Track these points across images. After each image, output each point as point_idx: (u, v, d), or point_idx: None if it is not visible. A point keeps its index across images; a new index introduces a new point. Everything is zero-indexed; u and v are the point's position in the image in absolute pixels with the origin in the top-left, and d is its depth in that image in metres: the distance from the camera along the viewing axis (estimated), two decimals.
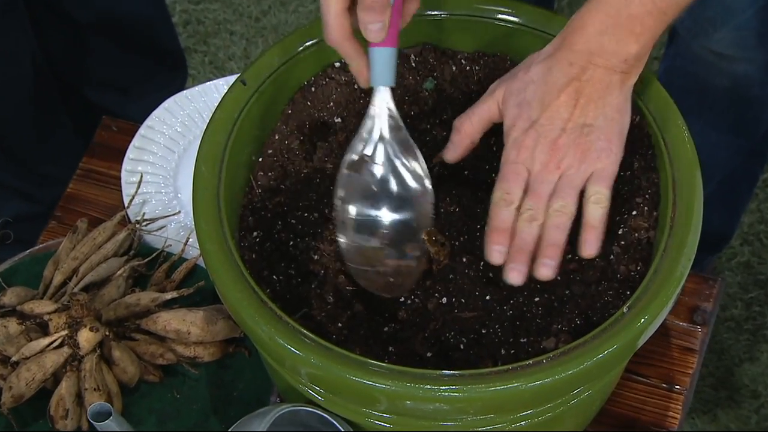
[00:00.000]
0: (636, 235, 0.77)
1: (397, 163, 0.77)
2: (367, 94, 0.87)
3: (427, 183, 0.77)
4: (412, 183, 0.77)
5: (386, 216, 0.77)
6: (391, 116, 0.77)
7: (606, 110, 0.72)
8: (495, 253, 0.72)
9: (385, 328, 0.75)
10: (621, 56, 0.71)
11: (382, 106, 0.76)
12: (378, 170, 0.77)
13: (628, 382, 0.90)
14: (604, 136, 0.72)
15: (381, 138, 0.77)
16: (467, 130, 0.77)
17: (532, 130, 0.72)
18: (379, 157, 0.77)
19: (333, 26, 0.73)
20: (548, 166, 0.72)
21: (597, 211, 0.72)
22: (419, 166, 0.77)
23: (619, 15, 0.70)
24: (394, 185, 0.77)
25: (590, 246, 0.72)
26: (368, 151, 0.77)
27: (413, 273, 0.76)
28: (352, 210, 0.77)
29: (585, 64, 0.71)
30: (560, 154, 0.72)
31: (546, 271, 0.71)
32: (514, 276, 0.72)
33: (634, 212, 0.78)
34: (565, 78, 0.71)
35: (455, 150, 0.78)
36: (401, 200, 0.77)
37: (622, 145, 0.73)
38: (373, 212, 0.77)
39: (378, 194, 0.77)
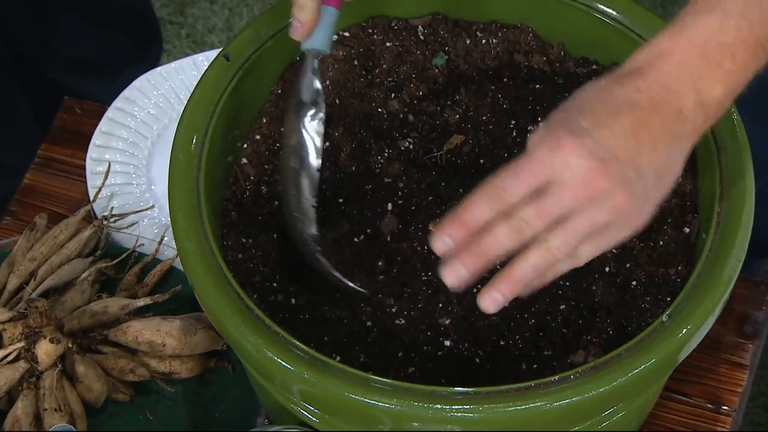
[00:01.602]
0: (676, 233, 0.77)
1: (294, 140, 0.79)
2: (369, 70, 0.88)
3: (314, 167, 0.79)
4: (298, 166, 0.79)
5: (294, 194, 0.79)
6: (309, 88, 0.79)
7: (664, 162, 0.63)
8: (439, 242, 0.64)
9: (389, 341, 0.75)
10: (701, 98, 0.63)
11: (306, 73, 0.79)
12: (289, 142, 0.80)
13: (668, 402, 0.90)
14: (648, 195, 0.63)
15: (296, 107, 0.79)
16: None
17: (579, 137, 0.62)
18: (290, 127, 0.80)
19: None
20: (578, 187, 0.62)
21: (552, 263, 0.63)
22: (314, 146, 0.79)
23: (707, 44, 0.62)
24: (294, 161, 0.79)
25: (490, 302, 0.64)
26: (292, 127, 0.80)
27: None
28: (281, 187, 0.80)
29: (656, 96, 0.63)
30: (600, 184, 0.62)
31: (489, 304, 0.64)
32: (451, 277, 0.63)
33: (674, 205, 0.78)
34: (629, 100, 0.63)
35: None
36: (301, 176, 0.79)
37: (648, 217, 0.65)
38: (290, 189, 0.79)
39: (290, 169, 0.79)
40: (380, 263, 0.78)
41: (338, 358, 0.72)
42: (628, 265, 0.77)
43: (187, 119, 0.80)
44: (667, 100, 0.63)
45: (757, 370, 0.98)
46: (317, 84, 0.79)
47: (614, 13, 0.85)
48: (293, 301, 0.77)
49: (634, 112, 0.62)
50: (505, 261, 0.65)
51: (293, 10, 0.76)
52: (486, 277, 0.75)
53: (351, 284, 0.77)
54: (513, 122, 0.84)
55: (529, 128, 0.83)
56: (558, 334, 0.74)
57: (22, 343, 0.87)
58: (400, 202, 0.81)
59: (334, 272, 0.77)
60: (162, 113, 1.08)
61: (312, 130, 0.80)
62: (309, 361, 0.69)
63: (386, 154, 0.83)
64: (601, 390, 0.67)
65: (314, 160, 0.80)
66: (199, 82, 0.82)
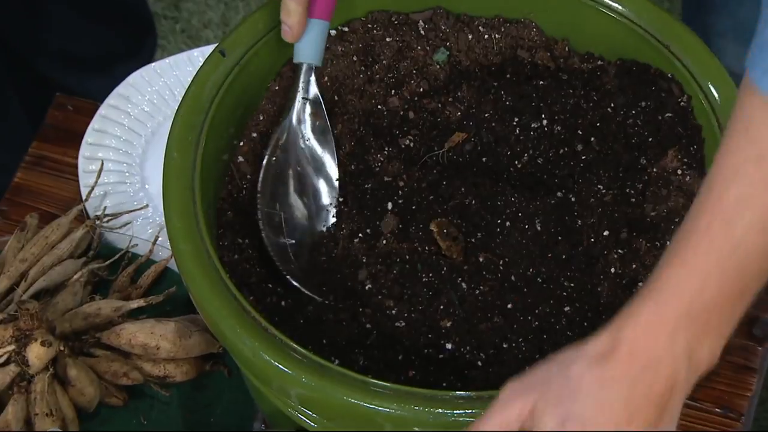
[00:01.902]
0: None
1: (305, 153, 0.82)
2: (369, 66, 0.88)
3: (334, 179, 0.82)
4: (313, 176, 0.82)
5: (287, 211, 0.81)
6: (309, 99, 0.82)
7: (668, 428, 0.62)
8: None
9: (389, 344, 0.75)
10: (693, 361, 0.61)
11: (302, 87, 0.82)
12: (285, 158, 0.82)
13: None
14: None
15: (294, 123, 0.82)
16: None
17: None
18: (287, 143, 0.83)
19: None
20: None
21: None
22: (329, 159, 0.83)
23: (691, 307, 0.60)
24: (295, 178, 0.82)
25: None
26: (281, 137, 0.82)
27: None
28: (262, 200, 0.81)
29: (650, 380, 0.60)
30: None
31: None
32: None
33: (681, 204, 0.78)
34: (627, 401, 0.60)
35: None
36: (301, 194, 0.81)
37: None
38: (277, 205, 0.81)
39: (282, 186, 0.81)
40: (380, 264, 0.78)
41: (337, 361, 0.72)
42: (634, 266, 0.77)
43: (182, 116, 0.80)
44: (660, 377, 0.60)
45: (767, 374, 0.98)
46: (314, 93, 0.83)
47: (620, 7, 0.86)
48: (291, 302, 0.77)
49: (627, 406, 0.60)
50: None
51: (281, 14, 0.78)
52: (493, 300, 0.75)
53: (310, 293, 0.78)
54: (516, 119, 0.84)
55: (532, 125, 0.83)
56: (563, 337, 0.74)
57: (13, 346, 0.87)
58: (400, 201, 0.81)
59: (294, 281, 0.78)
60: (156, 110, 1.08)
61: (319, 141, 0.83)
62: (307, 365, 0.69)
63: (386, 152, 0.83)
64: None
65: (331, 172, 0.83)
66: (194, 78, 0.82)
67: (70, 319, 0.89)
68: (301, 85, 0.83)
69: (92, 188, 1.00)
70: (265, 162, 0.82)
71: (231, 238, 0.79)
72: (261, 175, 0.82)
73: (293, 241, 0.81)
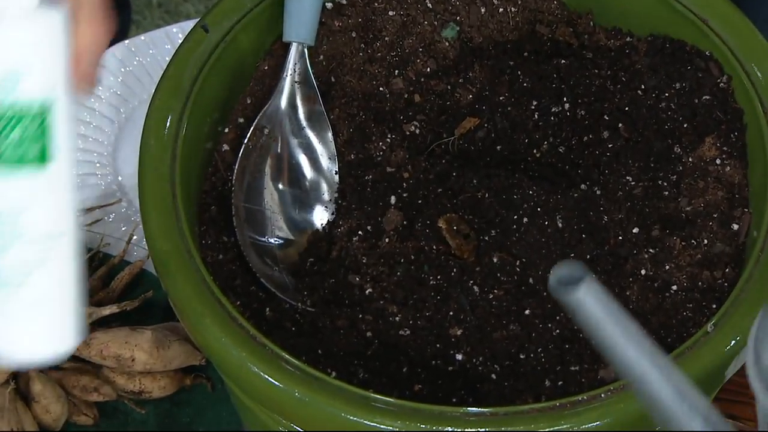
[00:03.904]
0: (723, 230, 0.77)
1: (297, 142, 0.82)
2: (369, 44, 0.88)
3: (332, 171, 0.82)
4: (307, 169, 0.82)
5: (274, 207, 0.81)
6: (301, 82, 0.83)
7: None
8: None
9: (393, 354, 0.75)
10: None
11: (293, 68, 0.83)
12: (274, 148, 0.82)
13: None
14: None
15: (283, 108, 0.82)
16: None
17: None
18: (276, 131, 0.83)
19: None
20: None
21: None
22: (325, 149, 0.83)
23: None
24: (286, 168, 0.82)
25: None
26: (267, 123, 0.83)
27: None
28: (240, 195, 0.81)
29: None
30: None
31: None
32: None
33: (720, 198, 0.78)
34: None
35: None
36: (294, 188, 0.81)
37: None
38: (263, 200, 0.82)
39: (268, 178, 0.82)
40: (381, 265, 0.78)
41: (334, 373, 0.73)
42: (667, 267, 0.77)
43: (159, 100, 0.81)
44: None
45: None
46: (306, 75, 0.83)
47: None
48: (282, 308, 0.78)
49: None
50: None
51: None
52: (509, 306, 0.76)
53: (290, 300, 0.78)
54: (534, 103, 0.84)
55: (553, 110, 0.84)
56: (586, 347, 0.74)
57: None
58: (404, 195, 0.81)
59: (269, 286, 0.79)
60: (130, 93, 1.08)
61: (313, 128, 0.83)
62: (301, 378, 0.70)
63: (389, 140, 0.84)
64: (636, 410, 0.68)
65: (328, 163, 0.83)
66: (173, 57, 0.83)
67: None
68: (291, 66, 0.84)
69: None
70: (242, 151, 0.82)
71: (215, 236, 0.80)
72: (237, 165, 0.82)
73: (281, 241, 0.81)
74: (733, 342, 0.70)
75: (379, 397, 0.69)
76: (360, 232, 0.80)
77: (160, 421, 0.91)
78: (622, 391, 0.68)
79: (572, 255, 0.78)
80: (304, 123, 0.84)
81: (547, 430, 0.67)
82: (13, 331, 0.59)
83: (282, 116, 0.83)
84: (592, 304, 0.52)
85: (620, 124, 0.83)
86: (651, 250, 0.78)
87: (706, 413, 0.52)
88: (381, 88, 0.86)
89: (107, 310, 0.90)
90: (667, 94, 0.84)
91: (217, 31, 0.84)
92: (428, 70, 0.87)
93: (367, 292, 0.77)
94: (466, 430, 0.68)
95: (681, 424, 0.51)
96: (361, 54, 0.87)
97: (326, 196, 0.83)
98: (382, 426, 0.68)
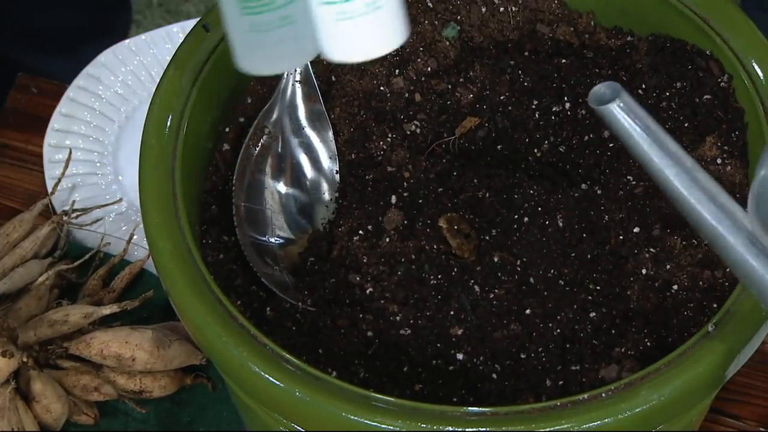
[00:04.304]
0: None
1: (296, 141, 0.82)
2: None
3: (333, 170, 0.82)
4: (308, 168, 0.82)
5: (274, 206, 0.81)
6: (301, 81, 0.82)
7: None
8: None
9: (393, 354, 0.75)
10: None
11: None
12: (275, 147, 0.82)
13: (715, 425, 0.90)
14: None
15: (284, 107, 0.82)
16: None
17: None
18: (277, 130, 0.82)
19: None
20: None
21: None
22: (326, 148, 0.82)
23: None
24: (287, 168, 0.82)
25: None
26: (268, 123, 0.82)
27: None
28: (241, 194, 0.81)
29: None
30: None
31: None
32: None
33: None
34: None
35: None
36: (295, 187, 0.81)
37: None
38: (264, 200, 0.81)
39: (268, 178, 0.82)
40: (382, 265, 0.78)
41: (334, 373, 0.73)
42: (668, 267, 0.77)
43: (160, 99, 0.81)
44: None
45: None
46: (307, 74, 0.83)
47: None
48: (283, 308, 0.78)
49: None
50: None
51: None
52: (510, 305, 0.76)
53: (290, 299, 0.78)
54: (535, 102, 0.84)
55: (554, 109, 0.84)
56: (587, 346, 0.74)
57: None
58: (405, 194, 0.81)
59: (270, 285, 0.78)
60: (131, 93, 1.08)
61: (314, 127, 0.83)
62: (301, 377, 0.70)
63: (389, 140, 0.84)
64: (637, 410, 0.68)
65: (329, 163, 0.83)
66: (173, 56, 0.83)
67: (34, 327, 0.90)
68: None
69: (59, 180, 1.01)
70: (242, 151, 0.82)
71: (216, 236, 0.80)
72: (237, 164, 0.82)
73: (282, 241, 0.81)
74: (734, 341, 0.70)
75: (379, 396, 0.69)
76: (360, 232, 0.80)
77: (160, 420, 0.91)
78: (624, 391, 0.68)
79: (573, 254, 0.78)
80: (304, 122, 0.84)
81: (547, 430, 0.67)
82: (364, 32, 0.69)
83: (283, 115, 0.83)
84: (623, 117, 0.61)
85: None
86: (652, 250, 0.78)
87: (733, 212, 0.60)
88: (382, 88, 0.86)
89: (108, 310, 0.91)
90: (667, 94, 0.84)
91: (218, 31, 0.83)
92: (429, 69, 0.87)
93: (367, 291, 0.77)
94: (466, 429, 0.68)
95: (711, 224, 0.60)
96: None
97: (327, 196, 0.83)
98: (382, 426, 0.68)
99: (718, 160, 0.81)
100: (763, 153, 0.59)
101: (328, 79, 0.87)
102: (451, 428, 0.68)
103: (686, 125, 0.82)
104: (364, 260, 0.79)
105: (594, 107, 0.62)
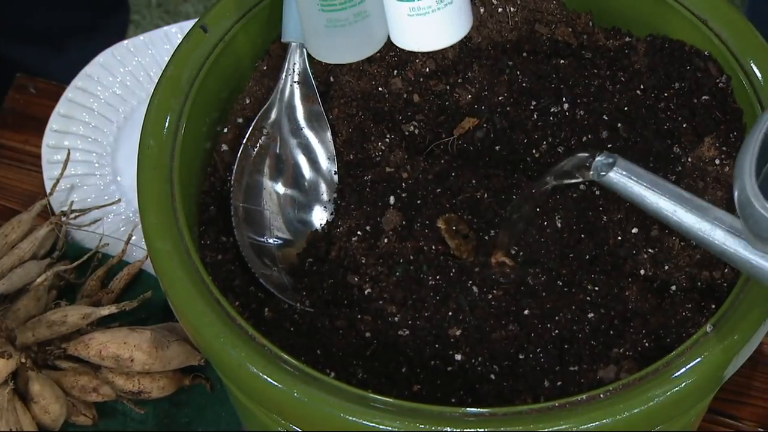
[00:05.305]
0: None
1: (294, 142, 0.82)
2: None
3: (331, 171, 0.82)
4: (306, 169, 0.82)
5: (272, 207, 0.81)
6: (300, 82, 0.83)
7: None
8: None
9: (391, 354, 0.75)
10: None
11: (292, 68, 0.83)
12: (273, 148, 0.82)
13: (714, 426, 0.90)
14: None
15: (282, 108, 0.82)
16: None
17: None
18: (275, 131, 0.83)
19: None
20: None
21: None
22: (324, 149, 0.83)
23: None
24: (285, 169, 0.82)
25: None
26: (266, 123, 0.82)
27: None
28: (239, 195, 0.81)
29: None
30: None
31: None
32: None
33: (720, 198, 0.78)
34: None
35: None
36: (294, 188, 0.81)
37: None
38: (262, 201, 0.81)
39: (267, 178, 0.82)
40: (380, 265, 0.78)
41: (333, 374, 0.73)
42: (666, 267, 0.77)
43: (158, 100, 0.81)
44: None
45: None
46: (305, 75, 0.83)
47: None
48: (281, 308, 0.78)
49: None
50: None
51: None
52: (508, 306, 0.76)
53: (288, 300, 0.78)
54: (534, 103, 0.84)
55: (552, 110, 0.84)
56: (586, 347, 0.74)
57: None
58: (403, 195, 0.81)
59: (268, 286, 0.78)
60: (129, 93, 1.08)
61: (312, 128, 0.83)
62: (299, 378, 0.70)
63: (388, 140, 0.84)
64: (636, 411, 0.68)
65: (327, 163, 0.83)
66: (172, 57, 0.83)
67: (32, 328, 0.90)
68: (290, 66, 0.84)
69: (57, 181, 1.01)
70: (240, 151, 0.82)
71: (214, 237, 0.80)
72: (236, 165, 0.82)
73: (280, 241, 0.81)
74: (732, 342, 0.70)
75: (378, 397, 0.69)
76: (359, 233, 0.80)
77: (159, 421, 0.91)
78: (622, 392, 0.68)
79: (571, 255, 0.78)
80: (303, 123, 0.84)
81: (546, 430, 0.67)
82: (434, 26, 0.76)
83: (281, 116, 0.83)
84: (624, 181, 0.69)
85: (619, 124, 0.83)
86: (650, 250, 0.78)
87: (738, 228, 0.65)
88: (380, 88, 0.86)
89: (106, 311, 0.91)
90: (666, 94, 0.84)
91: (216, 32, 0.84)
92: (427, 70, 0.87)
93: (366, 292, 0.77)
94: (465, 430, 0.67)
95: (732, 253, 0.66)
96: None
97: (325, 197, 0.83)
98: (381, 426, 0.68)
99: (717, 161, 0.81)
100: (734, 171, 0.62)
101: (327, 80, 0.87)
102: (449, 429, 0.68)
103: (685, 126, 0.83)
104: (363, 261, 0.79)
105: (596, 180, 0.69)
